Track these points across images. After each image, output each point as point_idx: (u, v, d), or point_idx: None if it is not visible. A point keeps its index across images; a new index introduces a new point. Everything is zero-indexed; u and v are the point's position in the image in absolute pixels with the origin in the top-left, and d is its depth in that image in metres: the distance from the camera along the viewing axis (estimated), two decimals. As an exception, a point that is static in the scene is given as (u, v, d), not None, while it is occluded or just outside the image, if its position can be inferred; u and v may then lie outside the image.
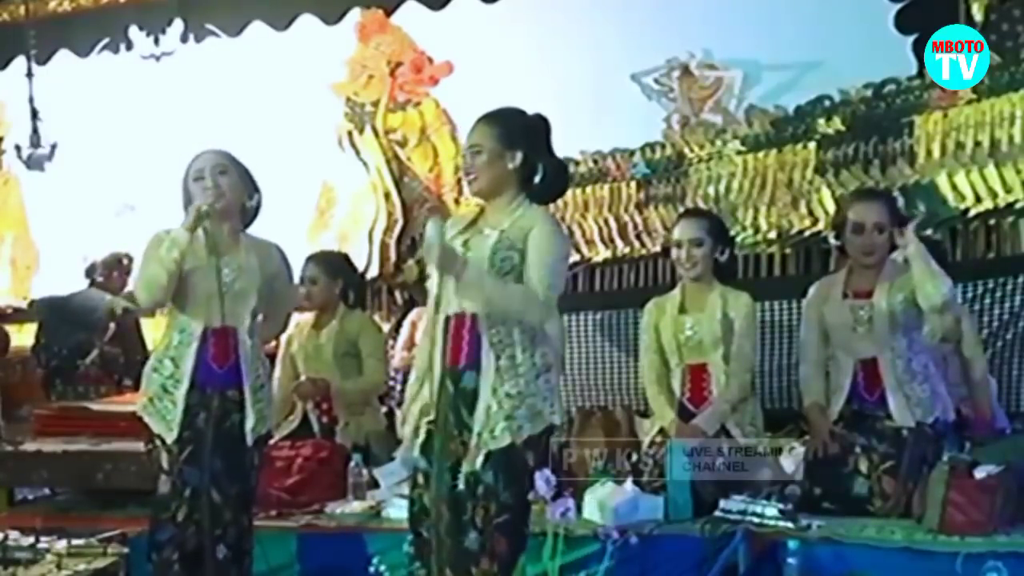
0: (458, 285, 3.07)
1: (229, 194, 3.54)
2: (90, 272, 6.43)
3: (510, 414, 3.07)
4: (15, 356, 6.63)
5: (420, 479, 3.21)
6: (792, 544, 3.54)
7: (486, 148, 3.16)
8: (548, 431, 3.19)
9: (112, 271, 6.37)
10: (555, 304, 3.18)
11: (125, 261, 6.37)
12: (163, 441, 3.50)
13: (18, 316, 7.35)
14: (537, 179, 3.20)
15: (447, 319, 3.18)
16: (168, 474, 3.50)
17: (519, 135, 3.19)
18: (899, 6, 5.59)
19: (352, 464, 4.31)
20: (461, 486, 3.08)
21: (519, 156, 3.16)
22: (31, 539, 3.50)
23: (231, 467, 3.51)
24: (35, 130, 6.90)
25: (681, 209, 5.77)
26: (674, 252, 4.28)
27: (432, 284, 3.20)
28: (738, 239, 5.58)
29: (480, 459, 3.07)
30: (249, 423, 3.52)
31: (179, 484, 3.48)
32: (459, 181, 6.54)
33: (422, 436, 3.19)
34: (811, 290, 4.23)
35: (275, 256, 3.68)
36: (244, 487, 3.57)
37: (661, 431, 4.21)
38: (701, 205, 5.85)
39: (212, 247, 3.53)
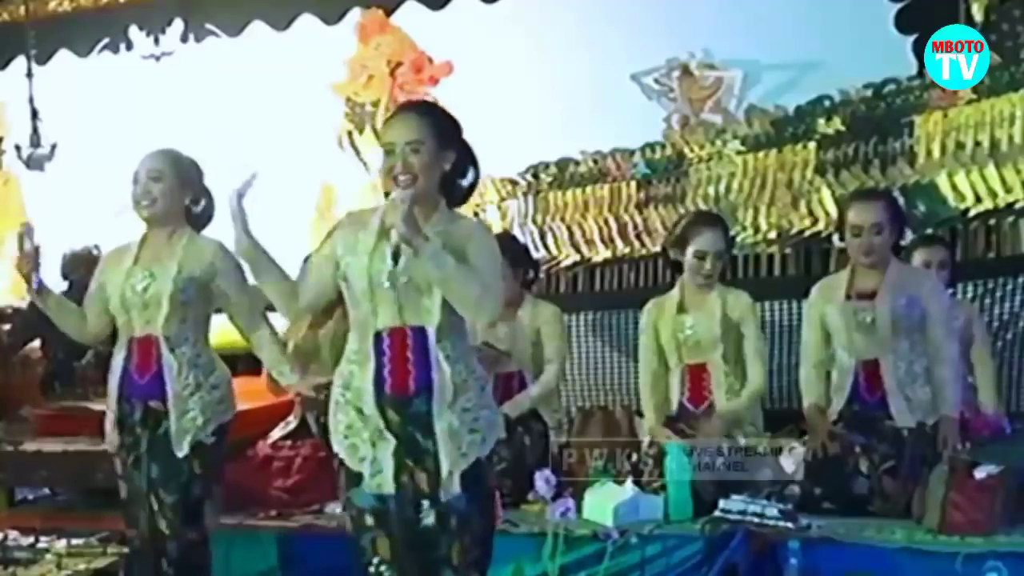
0: (418, 258, 2.69)
1: (161, 201, 3.50)
2: (65, 272, 6.30)
3: (472, 427, 2.80)
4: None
5: (370, 520, 2.85)
6: (792, 544, 3.54)
7: (426, 145, 2.80)
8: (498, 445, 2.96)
9: (81, 267, 6.09)
10: (496, 311, 2.84)
11: (95, 252, 5.98)
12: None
13: (18, 316, 7.33)
14: (466, 182, 2.92)
15: (378, 335, 2.82)
16: (122, 479, 3.55)
17: (454, 133, 2.89)
18: (899, 6, 5.58)
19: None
20: (429, 521, 2.78)
21: (452, 157, 2.85)
22: (31, 539, 3.51)
23: (166, 476, 3.44)
24: (35, 130, 6.88)
25: (682, 210, 5.77)
26: (693, 262, 4.24)
27: (358, 294, 2.84)
28: (738, 239, 5.58)
29: (456, 484, 2.77)
30: (172, 432, 3.42)
31: (132, 490, 3.51)
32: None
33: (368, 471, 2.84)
34: (813, 290, 4.23)
35: (208, 259, 3.50)
36: (183, 498, 3.45)
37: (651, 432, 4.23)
38: (701, 205, 5.84)
39: (137, 257, 3.53)
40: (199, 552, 3.53)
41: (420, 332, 2.81)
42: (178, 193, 3.53)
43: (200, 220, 3.62)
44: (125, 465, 3.52)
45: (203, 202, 3.61)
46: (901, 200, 4.98)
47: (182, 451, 3.43)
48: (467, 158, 2.92)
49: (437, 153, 2.82)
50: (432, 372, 2.80)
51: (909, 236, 4.28)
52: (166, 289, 3.44)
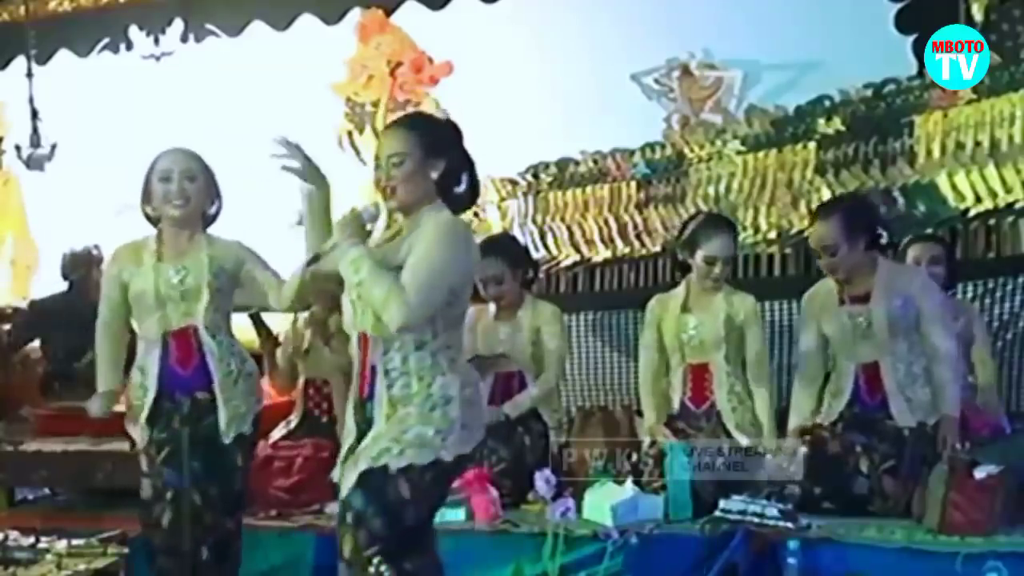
0: (339, 260, 2.86)
1: (194, 201, 3.52)
2: (65, 272, 6.23)
3: (396, 437, 2.82)
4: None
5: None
6: (792, 544, 3.54)
7: (410, 157, 2.90)
8: (435, 468, 2.84)
9: (81, 267, 6.07)
10: (424, 314, 2.78)
11: (95, 252, 6.06)
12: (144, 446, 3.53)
13: (18, 316, 7.33)
14: (460, 189, 2.98)
15: (359, 337, 2.95)
16: (147, 477, 3.52)
17: (442, 142, 2.96)
18: (899, 6, 5.58)
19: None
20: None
21: (442, 165, 2.92)
22: (31, 539, 3.51)
23: (209, 468, 3.47)
24: (35, 130, 6.89)
25: (682, 210, 5.79)
26: (703, 267, 4.21)
27: (343, 296, 3.00)
28: (738, 239, 5.58)
29: (352, 480, 2.85)
30: (222, 420, 3.46)
31: (159, 487, 3.49)
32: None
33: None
34: (805, 299, 4.22)
35: (234, 251, 3.57)
36: (226, 489, 3.50)
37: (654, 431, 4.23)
38: (701, 205, 5.85)
39: (160, 254, 3.53)
40: (234, 541, 3.58)
41: (374, 340, 2.90)
42: (205, 194, 3.56)
43: (209, 222, 3.63)
44: (153, 462, 3.50)
45: (217, 204, 3.63)
46: (901, 200, 4.97)
47: (229, 439, 3.47)
48: (461, 166, 2.98)
49: (423, 163, 2.91)
50: (376, 380, 2.90)
51: (896, 234, 4.24)
52: (204, 278, 3.48)
